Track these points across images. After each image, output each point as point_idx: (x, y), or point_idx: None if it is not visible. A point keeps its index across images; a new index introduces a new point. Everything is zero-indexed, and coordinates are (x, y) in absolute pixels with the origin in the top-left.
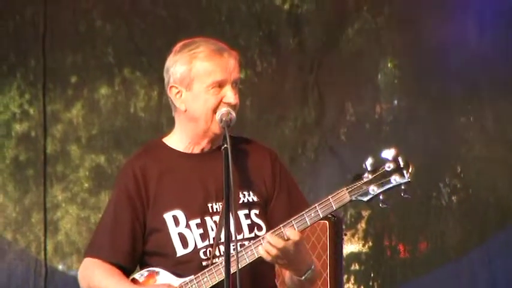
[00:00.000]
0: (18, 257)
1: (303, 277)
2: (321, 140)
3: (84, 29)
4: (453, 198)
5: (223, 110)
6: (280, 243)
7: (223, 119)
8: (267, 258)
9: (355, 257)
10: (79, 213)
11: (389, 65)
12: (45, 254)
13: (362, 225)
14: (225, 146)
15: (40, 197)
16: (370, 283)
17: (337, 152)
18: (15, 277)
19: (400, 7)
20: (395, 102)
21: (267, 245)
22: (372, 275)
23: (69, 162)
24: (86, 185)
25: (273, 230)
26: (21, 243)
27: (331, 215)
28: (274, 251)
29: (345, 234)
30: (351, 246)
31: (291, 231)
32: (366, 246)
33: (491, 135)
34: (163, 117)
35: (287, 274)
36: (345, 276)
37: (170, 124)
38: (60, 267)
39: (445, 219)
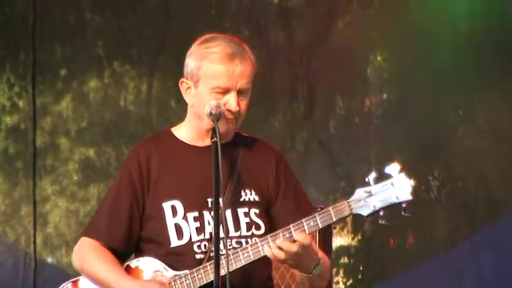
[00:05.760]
0: (8, 249)
1: (311, 273)
2: (310, 134)
3: (73, 21)
4: (442, 191)
5: (212, 102)
6: (293, 248)
7: (213, 112)
8: (275, 260)
9: (344, 250)
10: (68, 206)
11: (378, 58)
12: (34, 247)
13: (351, 218)
14: (214, 139)
15: (29, 189)
16: (359, 276)
17: (326, 146)
18: (5, 270)
19: (390, 0)
20: (385, 95)
21: (276, 250)
22: (361, 268)
23: (58, 155)
24: (75, 177)
25: (278, 232)
26: (11, 236)
27: (321, 207)
28: (283, 255)
29: (334, 228)
30: (340, 240)
31: (302, 235)
32: (355, 239)
33: (481, 128)
34: (153, 110)
35: (297, 273)
36: (334, 270)
37: (160, 117)
38: (49, 260)
39: (434, 212)
